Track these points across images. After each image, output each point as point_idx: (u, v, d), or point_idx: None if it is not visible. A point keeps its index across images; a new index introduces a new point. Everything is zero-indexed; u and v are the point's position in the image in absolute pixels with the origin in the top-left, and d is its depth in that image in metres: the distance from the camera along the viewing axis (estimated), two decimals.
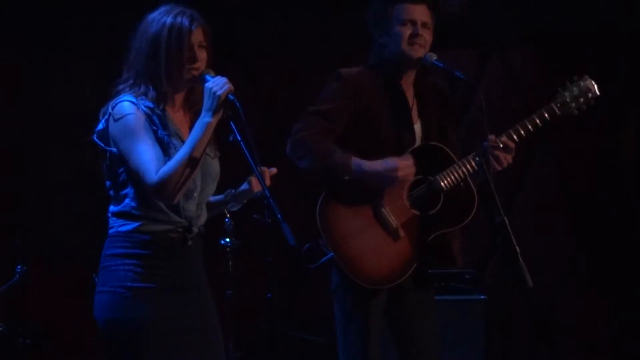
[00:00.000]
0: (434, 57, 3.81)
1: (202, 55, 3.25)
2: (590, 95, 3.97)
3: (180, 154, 3.14)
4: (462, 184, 3.80)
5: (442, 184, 3.78)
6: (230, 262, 5.34)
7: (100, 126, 3.25)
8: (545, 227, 6.38)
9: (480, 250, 6.19)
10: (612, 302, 6.41)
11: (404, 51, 3.80)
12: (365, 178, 3.70)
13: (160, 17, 3.25)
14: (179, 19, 3.23)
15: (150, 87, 3.24)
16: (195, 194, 3.28)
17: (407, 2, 3.83)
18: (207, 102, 3.15)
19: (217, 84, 3.14)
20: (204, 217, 3.37)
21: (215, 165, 3.35)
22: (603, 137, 6.39)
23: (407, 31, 3.80)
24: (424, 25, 3.82)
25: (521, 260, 3.47)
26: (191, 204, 3.27)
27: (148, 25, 3.26)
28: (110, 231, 3.28)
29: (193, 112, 3.33)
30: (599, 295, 6.42)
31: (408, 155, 3.74)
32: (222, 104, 3.14)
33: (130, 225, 3.23)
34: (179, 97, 3.33)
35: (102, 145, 3.24)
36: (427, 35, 3.83)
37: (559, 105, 3.93)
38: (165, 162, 3.15)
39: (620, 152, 6.45)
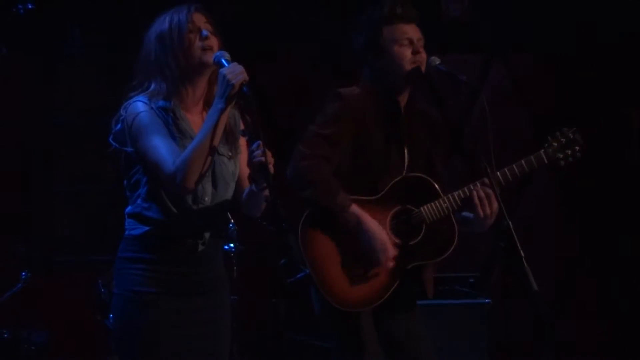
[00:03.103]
0: (436, 61, 3.79)
1: (212, 38, 3.25)
2: (577, 148, 3.91)
3: (195, 142, 3.14)
4: (444, 218, 3.77)
5: (425, 216, 3.75)
6: (234, 268, 5.35)
7: (117, 128, 3.26)
8: (549, 231, 6.38)
9: (484, 254, 6.20)
10: (617, 306, 6.41)
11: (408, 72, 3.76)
12: (353, 230, 3.67)
13: (162, 17, 3.29)
14: (178, 11, 3.27)
15: (162, 83, 3.23)
16: (206, 199, 3.26)
17: (399, 22, 3.79)
18: (220, 89, 3.13)
19: (233, 72, 3.12)
20: (219, 221, 3.34)
21: (230, 166, 3.33)
22: (606, 138, 6.40)
23: (408, 51, 3.76)
24: (419, 42, 3.79)
25: (526, 264, 3.48)
26: (202, 209, 3.26)
27: (152, 29, 3.29)
28: (125, 234, 3.30)
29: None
30: (604, 299, 6.42)
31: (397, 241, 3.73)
32: (236, 93, 3.11)
33: (140, 230, 3.24)
34: (196, 96, 3.31)
35: (117, 146, 3.26)
36: (424, 53, 3.79)
37: (548, 153, 3.87)
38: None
39: (623, 153, 6.46)
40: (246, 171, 3.29)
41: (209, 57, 3.23)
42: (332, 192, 3.66)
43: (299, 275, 3.72)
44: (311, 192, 3.67)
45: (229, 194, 3.33)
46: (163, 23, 3.27)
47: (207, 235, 3.28)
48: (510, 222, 3.53)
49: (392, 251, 3.69)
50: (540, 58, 6.49)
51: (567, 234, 6.47)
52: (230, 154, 3.32)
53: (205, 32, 3.24)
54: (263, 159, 3.08)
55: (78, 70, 6.15)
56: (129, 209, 3.29)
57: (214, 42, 3.25)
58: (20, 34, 6.03)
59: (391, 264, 3.69)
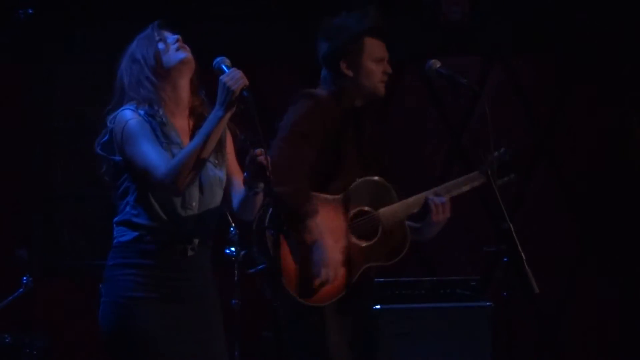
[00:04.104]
0: (437, 64, 3.81)
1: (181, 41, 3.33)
2: (512, 169, 4.07)
3: (190, 146, 3.17)
4: (398, 223, 3.92)
5: (382, 219, 3.89)
6: (235, 272, 5.34)
7: (104, 139, 3.29)
8: (551, 233, 6.38)
9: (486, 256, 6.19)
10: (619, 308, 6.40)
11: (376, 89, 3.91)
12: (309, 240, 3.75)
13: (128, 47, 3.38)
14: (143, 33, 3.37)
15: (143, 92, 3.27)
16: (193, 204, 3.28)
17: (379, 38, 3.91)
18: (220, 96, 3.15)
19: (232, 78, 3.14)
20: (207, 227, 3.35)
21: (217, 173, 3.35)
22: (607, 139, 6.40)
23: (380, 69, 3.90)
24: (388, 61, 3.95)
25: (527, 266, 3.48)
26: (190, 215, 3.28)
27: (122, 59, 3.37)
28: (113, 242, 3.32)
29: (195, 118, 3.37)
30: (606, 301, 6.41)
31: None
32: (236, 99, 3.13)
33: (129, 235, 3.26)
34: (180, 101, 3.34)
35: (106, 155, 3.28)
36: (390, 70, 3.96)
37: (491, 171, 3.99)
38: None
39: (625, 154, 6.45)
40: (234, 177, 3.32)
41: (185, 54, 3.30)
42: (302, 197, 3.72)
43: (259, 267, 3.77)
44: (283, 189, 3.65)
45: (216, 200, 3.35)
46: (132, 47, 3.35)
47: (196, 241, 3.29)
48: (511, 225, 3.54)
49: (336, 272, 3.75)
50: (540, 60, 6.49)
51: (567, 234, 6.46)
52: (217, 161, 3.34)
53: (173, 37, 3.32)
54: (264, 162, 3.10)
55: (79, 75, 6.15)
56: (117, 217, 3.31)
57: (184, 46, 3.33)
58: (20, 38, 6.04)
59: (330, 283, 3.75)
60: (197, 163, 3.15)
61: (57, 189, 6.23)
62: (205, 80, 3.42)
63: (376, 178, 3.93)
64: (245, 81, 3.14)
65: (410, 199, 3.93)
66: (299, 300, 3.72)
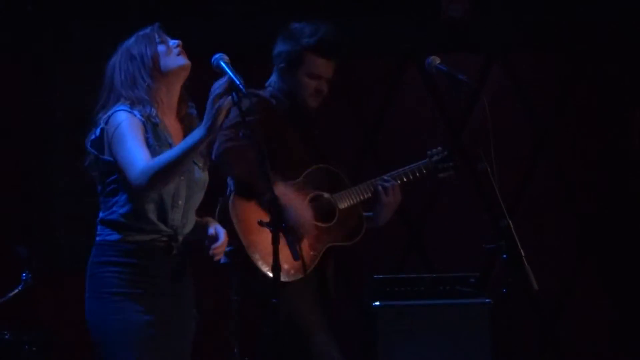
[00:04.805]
0: (437, 61, 3.83)
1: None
2: (452, 164, 4.34)
3: (170, 153, 3.20)
4: (354, 207, 4.16)
5: (338, 202, 4.11)
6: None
7: (95, 136, 3.34)
8: (550, 230, 6.38)
9: (485, 253, 6.18)
10: (620, 305, 6.40)
11: (305, 101, 4.12)
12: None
13: (124, 45, 3.43)
14: (143, 33, 3.40)
15: (136, 90, 3.31)
16: (180, 202, 3.33)
17: (321, 56, 4.08)
18: (204, 117, 3.16)
19: (212, 93, 3.13)
20: (190, 225, 3.41)
21: (203, 175, 3.42)
22: (608, 137, 6.40)
23: (313, 85, 4.11)
24: (327, 82, 4.14)
25: (526, 263, 3.49)
26: (177, 213, 3.33)
27: (116, 55, 3.41)
28: (98, 239, 3.37)
29: (184, 123, 3.43)
30: (606, 298, 6.41)
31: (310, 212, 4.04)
32: (218, 119, 3.12)
33: (116, 235, 3.31)
34: (172, 103, 3.39)
35: (96, 153, 3.32)
36: (326, 89, 4.15)
37: (431, 164, 4.30)
38: None
39: (626, 153, 6.45)
40: None
41: (186, 60, 3.36)
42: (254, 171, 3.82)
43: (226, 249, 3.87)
44: (239, 170, 3.89)
45: (198, 201, 3.42)
46: (129, 44, 3.37)
47: (180, 239, 3.35)
48: (510, 222, 3.54)
49: (312, 225, 3.98)
50: (540, 58, 6.48)
51: (567, 234, 6.46)
52: (201, 164, 3.41)
53: (175, 42, 3.37)
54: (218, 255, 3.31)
55: (79, 75, 6.15)
56: (103, 214, 3.35)
57: (182, 49, 3.38)
58: (20, 35, 6.04)
59: (312, 234, 3.99)
60: (174, 171, 3.19)
61: (57, 186, 6.22)
62: (203, 78, 3.43)
63: (328, 166, 4.16)
64: (223, 89, 3.11)
65: (362, 185, 4.16)
66: (267, 274, 3.85)
